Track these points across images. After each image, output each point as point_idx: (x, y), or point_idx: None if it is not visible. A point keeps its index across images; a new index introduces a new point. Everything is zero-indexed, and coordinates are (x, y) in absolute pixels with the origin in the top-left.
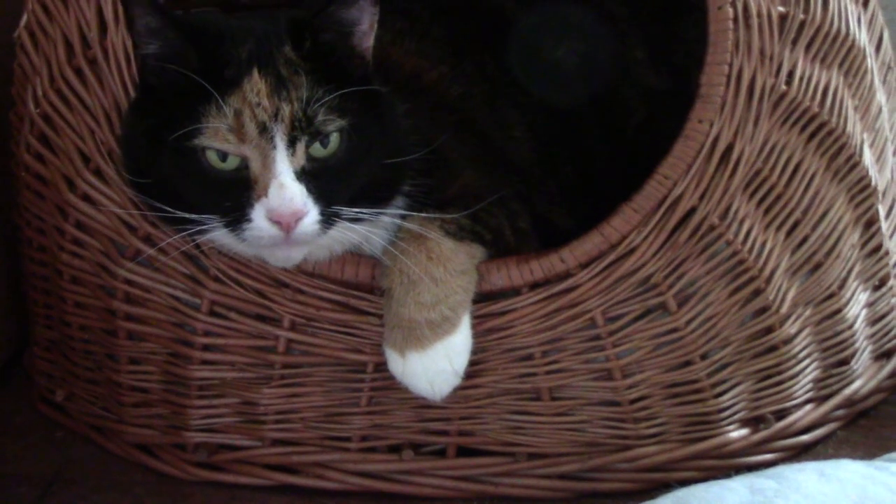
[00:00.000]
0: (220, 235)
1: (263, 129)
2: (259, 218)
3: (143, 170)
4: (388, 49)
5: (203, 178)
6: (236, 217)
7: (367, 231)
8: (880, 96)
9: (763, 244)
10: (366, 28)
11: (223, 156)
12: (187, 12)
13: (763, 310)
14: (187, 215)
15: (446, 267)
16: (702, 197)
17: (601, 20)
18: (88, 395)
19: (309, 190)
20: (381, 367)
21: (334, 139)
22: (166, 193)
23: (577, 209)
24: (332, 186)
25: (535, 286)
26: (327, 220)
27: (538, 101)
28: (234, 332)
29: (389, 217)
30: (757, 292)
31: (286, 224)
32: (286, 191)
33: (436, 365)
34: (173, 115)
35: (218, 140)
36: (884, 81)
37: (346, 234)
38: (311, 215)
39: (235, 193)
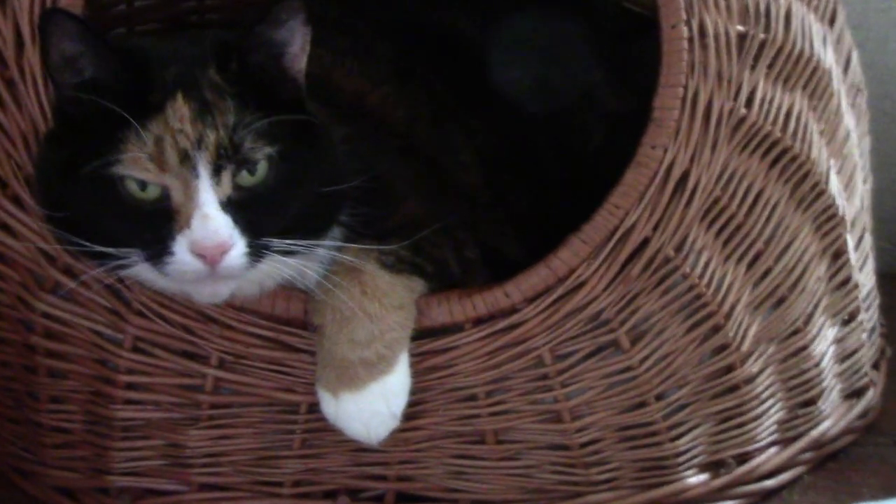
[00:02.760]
0: (141, 270)
1: (185, 157)
2: (182, 251)
3: (60, 203)
4: (329, 70)
5: (122, 209)
6: (158, 250)
7: (301, 264)
8: (848, 120)
9: (722, 277)
10: (297, 49)
11: (143, 185)
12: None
13: (722, 347)
14: (106, 249)
15: (382, 302)
16: (655, 227)
17: (558, 40)
18: (10, 434)
19: (235, 221)
20: (315, 407)
21: (263, 166)
22: (84, 227)
23: (530, 239)
24: (261, 217)
25: (478, 322)
26: (256, 252)
27: (489, 125)
28: (159, 370)
29: (325, 249)
30: (716, 329)
31: (211, 257)
32: (210, 222)
33: (371, 406)
34: (91, 144)
35: (137, 169)
36: (852, 105)
37: (278, 267)
38: (238, 248)
39: (157, 225)
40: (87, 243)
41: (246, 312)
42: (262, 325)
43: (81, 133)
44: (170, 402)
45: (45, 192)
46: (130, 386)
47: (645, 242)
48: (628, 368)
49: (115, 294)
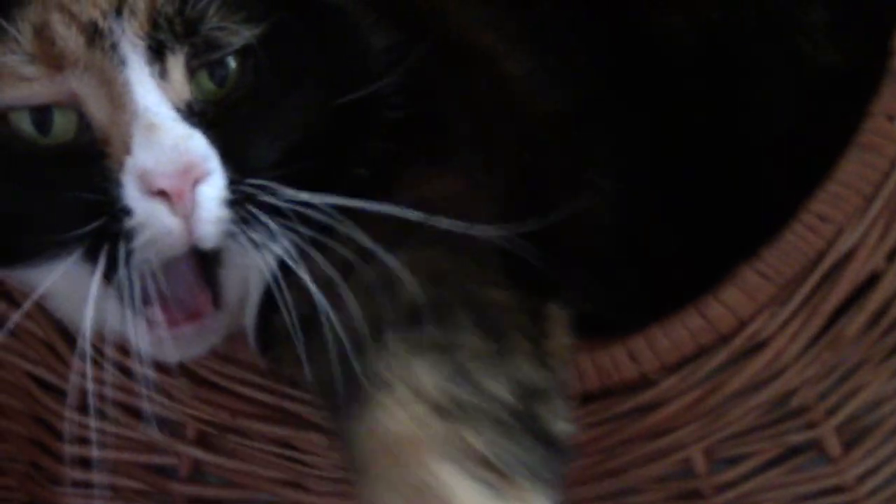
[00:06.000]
0: (68, 281)
1: (94, 34)
2: (135, 197)
3: None
4: None
5: (26, 173)
6: (105, 221)
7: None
8: None
9: None
10: None
11: (41, 120)
12: None
13: None
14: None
15: None
16: (892, 256)
17: None
18: None
19: (209, 139)
20: None
21: (234, 64)
22: None
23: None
24: (245, 140)
25: (587, 399)
26: (242, 201)
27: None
28: (117, 441)
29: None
30: None
31: (176, 190)
32: (161, 132)
33: None
34: None
35: (10, 85)
36: None
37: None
38: (217, 177)
39: (89, 181)
40: None
41: (228, 363)
42: (254, 384)
43: None
44: (132, 490)
45: None
46: (79, 461)
47: (873, 280)
48: (838, 489)
49: (54, 322)
